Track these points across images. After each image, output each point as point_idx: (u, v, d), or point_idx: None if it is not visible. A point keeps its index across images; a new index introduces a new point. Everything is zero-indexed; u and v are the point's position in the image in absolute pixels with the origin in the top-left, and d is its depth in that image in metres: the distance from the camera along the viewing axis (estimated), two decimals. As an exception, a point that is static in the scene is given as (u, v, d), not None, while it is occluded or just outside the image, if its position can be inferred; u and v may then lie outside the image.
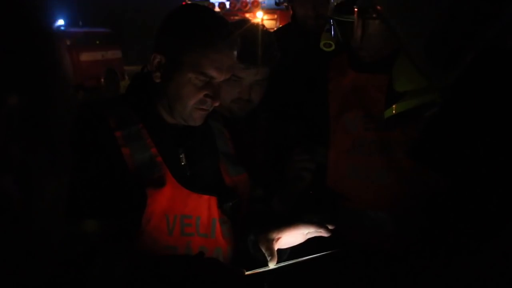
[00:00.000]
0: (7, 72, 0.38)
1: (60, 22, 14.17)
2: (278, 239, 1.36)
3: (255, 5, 12.27)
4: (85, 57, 14.39)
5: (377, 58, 1.57)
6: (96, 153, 1.21)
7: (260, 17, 11.52)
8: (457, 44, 0.50)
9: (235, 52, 1.33)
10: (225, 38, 1.27)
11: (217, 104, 1.32)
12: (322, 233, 1.36)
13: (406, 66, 1.21)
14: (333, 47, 1.72)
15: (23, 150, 0.39)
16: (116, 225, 1.20)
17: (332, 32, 1.78)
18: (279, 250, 1.35)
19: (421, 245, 1.19)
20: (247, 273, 1.15)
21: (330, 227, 1.36)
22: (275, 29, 2.67)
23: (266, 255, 1.32)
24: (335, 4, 1.62)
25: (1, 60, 0.37)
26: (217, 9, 12.27)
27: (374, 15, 1.07)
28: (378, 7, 0.58)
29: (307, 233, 1.38)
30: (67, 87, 0.45)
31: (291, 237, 1.37)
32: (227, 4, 12.84)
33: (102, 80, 14.87)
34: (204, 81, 1.28)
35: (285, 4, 2.27)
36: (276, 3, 2.27)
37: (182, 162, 1.35)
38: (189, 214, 1.30)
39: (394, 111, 1.21)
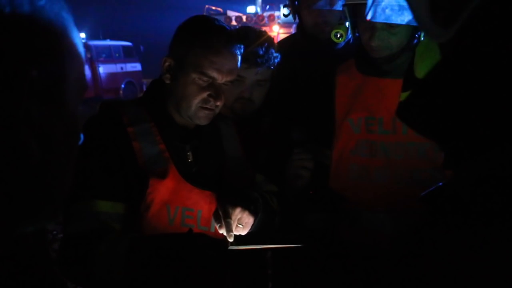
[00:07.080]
0: (29, 50, 0.46)
1: (82, 35, 14.50)
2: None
3: (271, 19, 12.41)
4: (104, 69, 14.68)
5: (386, 53, 1.64)
6: (108, 144, 1.34)
7: (276, 31, 11.63)
8: (456, 2, 0.52)
9: (238, 57, 1.44)
10: (225, 43, 1.39)
11: (219, 103, 1.42)
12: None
13: (430, 50, 1.17)
14: (344, 38, 1.77)
15: (41, 115, 0.46)
16: (122, 208, 1.33)
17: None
18: None
19: (419, 246, 1.19)
20: (230, 247, 1.31)
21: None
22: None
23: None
24: None
25: (24, 41, 0.45)
26: (233, 22, 12.42)
27: None
28: None
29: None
30: (80, 69, 0.53)
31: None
32: (244, 18, 12.99)
33: (121, 92, 15.12)
34: (207, 81, 1.40)
35: (288, 13, 2.30)
36: (284, 15, 2.32)
37: (189, 159, 1.46)
38: (190, 207, 1.41)
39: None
